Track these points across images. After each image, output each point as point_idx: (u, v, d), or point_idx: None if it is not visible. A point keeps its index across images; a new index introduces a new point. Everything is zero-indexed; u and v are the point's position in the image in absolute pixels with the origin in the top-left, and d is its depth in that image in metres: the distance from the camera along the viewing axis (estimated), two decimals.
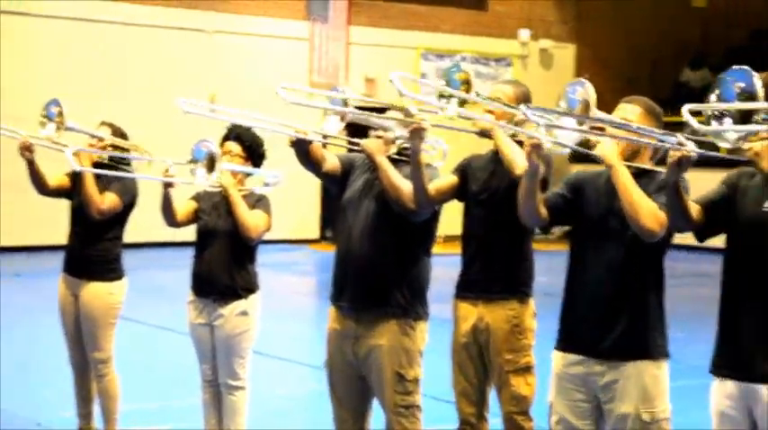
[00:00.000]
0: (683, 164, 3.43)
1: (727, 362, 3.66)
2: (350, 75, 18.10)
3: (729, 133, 3.29)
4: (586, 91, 3.64)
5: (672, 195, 3.55)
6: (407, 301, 4.64)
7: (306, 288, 13.98)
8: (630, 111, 3.98)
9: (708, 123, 3.32)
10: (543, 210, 4.00)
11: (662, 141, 3.69)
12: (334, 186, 4.98)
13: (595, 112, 3.63)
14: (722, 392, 3.67)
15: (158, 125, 13.97)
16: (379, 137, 4.66)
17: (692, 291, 8.87)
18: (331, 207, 17.06)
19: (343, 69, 18.24)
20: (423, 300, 4.72)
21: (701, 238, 3.77)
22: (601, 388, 3.90)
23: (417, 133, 4.38)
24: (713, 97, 3.30)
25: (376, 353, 4.62)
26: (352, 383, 4.76)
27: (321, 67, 18.06)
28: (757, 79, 3.25)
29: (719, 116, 3.32)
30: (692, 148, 3.41)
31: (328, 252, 16.63)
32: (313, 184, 16.93)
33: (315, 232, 18.36)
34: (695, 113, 3.31)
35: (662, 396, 3.89)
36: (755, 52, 22.19)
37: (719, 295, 3.74)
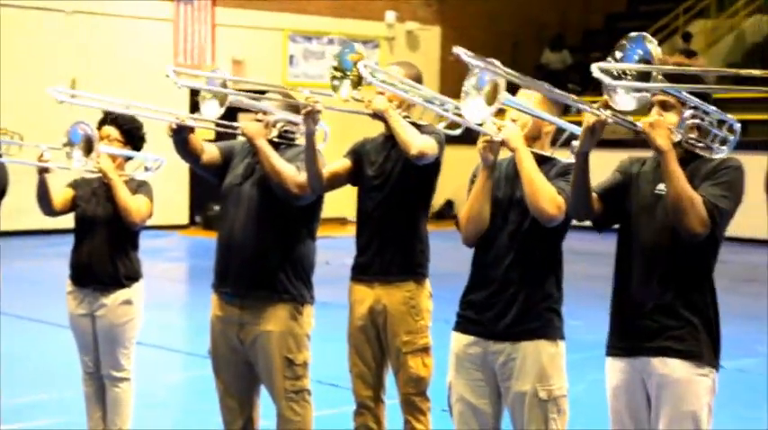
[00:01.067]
0: (597, 130, 3.45)
1: (620, 341, 3.72)
2: (216, 57, 17.81)
3: (628, 97, 3.34)
4: (496, 70, 3.59)
5: (579, 170, 3.58)
6: (293, 286, 4.59)
7: (177, 274, 13.74)
8: (529, 96, 3.98)
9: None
10: None
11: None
12: (214, 177, 4.85)
13: (505, 95, 3.58)
14: (617, 368, 3.74)
15: (24, 108, 13.56)
16: (259, 120, 4.54)
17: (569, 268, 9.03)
18: (200, 192, 16.82)
19: (209, 51, 17.95)
20: (309, 284, 4.67)
21: (598, 227, 3.83)
22: (499, 367, 3.91)
23: (311, 115, 4.28)
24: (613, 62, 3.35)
25: (263, 339, 4.56)
26: (239, 370, 4.68)
27: (186, 49, 17.73)
28: (654, 45, 3.31)
29: (620, 76, 3.36)
30: (607, 115, 3.43)
31: (198, 237, 16.60)
32: (182, 169, 16.63)
33: (184, 218, 18.08)
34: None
35: (558, 374, 3.92)
36: (611, 34, 22.84)
37: (613, 276, 3.79)
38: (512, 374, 3.90)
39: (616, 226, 3.80)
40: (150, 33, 17.43)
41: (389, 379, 4.82)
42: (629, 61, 3.31)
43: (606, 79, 3.30)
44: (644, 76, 3.32)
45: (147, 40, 17.21)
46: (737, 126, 3.60)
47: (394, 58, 18.33)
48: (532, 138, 3.92)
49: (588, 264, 10.61)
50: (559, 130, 3.92)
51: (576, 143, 3.61)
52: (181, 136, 4.54)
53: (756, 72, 3.28)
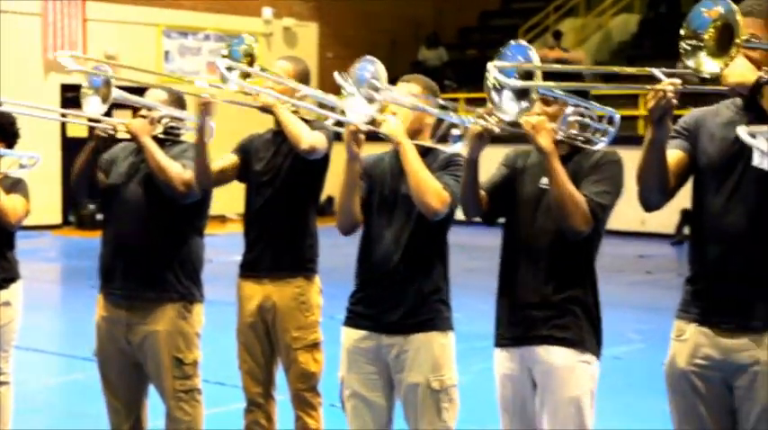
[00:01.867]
0: (484, 137, 3.51)
1: (507, 332, 3.78)
2: (88, 52, 17.37)
3: (512, 103, 3.40)
4: (377, 69, 3.62)
5: (469, 174, 3.63)
6: (182, 284, 4.54)
7: (51, 275, 13.36)
8: (411, 90, 4.00)
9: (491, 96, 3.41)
10: None
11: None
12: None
13: (386, 91, 3.61)
14: (504, 358, 3.80)
15: None
16: (144, 116, 4.48)
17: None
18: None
19: (80, 47, 17.51)
20: (198, 282, 4.63)
21: (487, 222, 3.86)
22: (392, 359, 3.95)
23: (207, 109, 4.24)
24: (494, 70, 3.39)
25: (152, 339, 4.50)
26: (126, 372, 4.62)
27: (56, 44, 17.26)
28: (534, 54, 3.37)
29: (499, 88, 3.41)
30: (493, 123, 3.49)
31: (72, 237, 16.22)
32: (54, 167, 16.29)
33: (57, 217, 17.64)
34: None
35: (449, 364, 3.97)
36: (485, 31, 23.22)
37: (499, 268, 3.84)
38: (405, 366, 3.93)
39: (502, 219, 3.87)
40: (18, 28, 16.91)
41: (280, 375, 4.81)
42: (509, 73, 3.38)
43: (503, 78, 3.36)
44: (527, 79, 3.39)
45: (15, 36, 16.70)
46: (617, 117, 3.69)
47: (271, 54, 18.19)
48: (414, 131, 3.94)
49: (465, 258, 10.78)
50: (439, 121, 3.95)
51: (456, 131, 3.68)
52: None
53: (630, 69, 3.39)
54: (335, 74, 3.62)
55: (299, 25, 20.61)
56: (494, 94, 3.44)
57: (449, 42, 22.45)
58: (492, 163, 3.88)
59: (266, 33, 20.06)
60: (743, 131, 3.12)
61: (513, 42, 3.44)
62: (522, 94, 3.42)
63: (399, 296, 3.92)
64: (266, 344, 4.74)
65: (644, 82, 3.20)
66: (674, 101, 3.14)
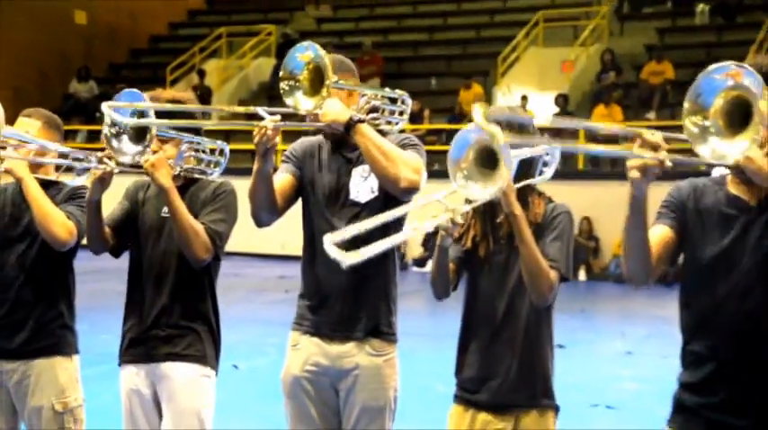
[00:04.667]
0: (105, 181, 3.47)
1: (135, 349, 3.69)
2: None
3: (129, 146, 3.38)
4: None
5: (91, 214, 3.54)
6: None
7: None
8: (31, 125, 3.85)
9: None
10: None
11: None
12: None
13: (4, 129, 3.41)
14: (131, 373, 3.70)
15: None
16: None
17: (92, 286, 8.80)
18: None
19: None
20: None
21: (115, 255, 3.78)
22: (13, 385, 3.80)
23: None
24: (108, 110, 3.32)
25: None
26: None
27: None
28: (146, 97, 3.38)
29: (117, 134, 3.38)
30: (113, 166, 3.46)
31: None
32: None
33: None
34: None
35: (74, 386, 3.86)
36: (135, 67, 22.89)
37: (126, 290, 3.75)
38: (27, 391, 3.77)
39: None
40: None
41: None
42: (122, 112, 3.31)
43: (117, 117, 3.28)
44: (141, 130, 3.36)
45: None
46: (227, 149, 3.70)
47: None
48: (36, 166, 3.78)
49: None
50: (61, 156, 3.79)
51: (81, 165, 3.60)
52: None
53: (238, 108, 3.46)
54: None
55: None
56: (113, 141, 3.38)
57: (100, 77, 21.87)
58: None
59: None
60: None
61: (126, 90, 3.38)
62: (139, 137, 3.39)
63: (22, 322, 3.78)
64: None
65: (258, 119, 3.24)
66: (276, 138, 3.21)
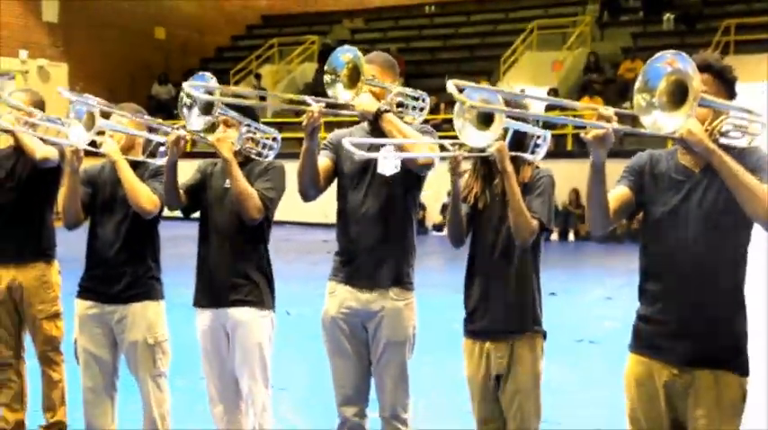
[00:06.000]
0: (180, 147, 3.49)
1: (204, 297, 3.71)
2: None
3: (199, 119, 3.41)
4: (94, 103, 3.47)
5: (168, 176, 3.57)
6: None
7: None
8: (122, 116, 3.86)
9: None
10: None
11: None
12: None
13: (100, 121, 3.48)
14: (203, 316, 3.72)
15: None
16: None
17: (171, 250, 8.85)
18: None
19: None
20: None
21: (186, 214, 3.78)
22: (115, 323, 3.85)
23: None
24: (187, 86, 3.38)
25: None
26: None
27: None
28: (215, 81, 3.42)
29: (189, 106, 3.43)
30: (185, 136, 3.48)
31: None
32: None
33: None
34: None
35: (161, 325, 3.89)
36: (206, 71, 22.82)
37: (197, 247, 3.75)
38: (125, 328, 3.83)
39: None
40: None
41: (27, 340, 4.50)
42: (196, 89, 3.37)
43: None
44: (208, 106, 3.40)
45: None
46: (279, 137, 3.71)
47: (27, 87, 17.02)
48: (127, 149, 3.84)
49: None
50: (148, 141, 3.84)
51: (162, 148, 3.64)
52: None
53: (294, 96, 3.55)
54: (59, 89, 3.35)
55: (51, 65, 19.38)
56: (185, 111, 3.42)
57: (176, 81, 21.90)
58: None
59: (23, 71, 18.74)
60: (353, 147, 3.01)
61: (201, 73, 3.43)
62: (206, 111, 3.41)
63: (120, 275, 3.82)
64: (15, 316, 4.42)
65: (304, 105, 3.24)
66: (320, 119, 3.22)
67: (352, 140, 3.10)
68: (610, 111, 2.52)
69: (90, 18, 20.09)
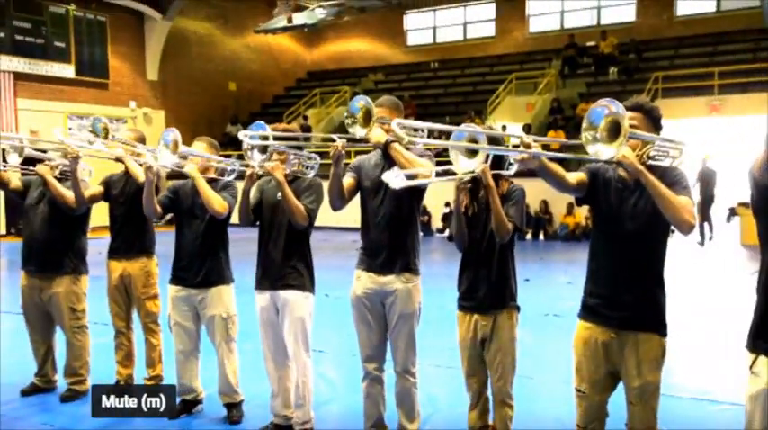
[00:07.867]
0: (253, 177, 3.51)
1: (262, 281, 3.66)
2: (19, 128, 15.77)
3: (257, 156, 3.41)
4: (176, 134, 3.53)
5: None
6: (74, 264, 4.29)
7: None
8: (201, 146, 3.91)
9: None
10: None
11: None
12: (18, 198, 4.39)
13: (182, 147, 3.52)
14: (262, 297, 3.68)
15: None
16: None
17: (234, 250, 8.87)
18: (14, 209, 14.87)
19: (13, 124, 15.78)
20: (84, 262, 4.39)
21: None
22: (197, 302, 3.86)
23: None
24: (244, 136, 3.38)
25: (55, 297, 4.26)
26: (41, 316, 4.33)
27: None
28: (268, 127, 3.42)
29: (252, 148, 3.42)
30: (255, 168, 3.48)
31: (13, 242, 14.56)
32: None
33: (1, 228, 15.75)
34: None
35: (232, 303, 3.89)
36: (265, 116, 22.84)
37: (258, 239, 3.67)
38: (206, 306, 3.84)
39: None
40: None
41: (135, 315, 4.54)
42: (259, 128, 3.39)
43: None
44: (264, 147, 3.43)
45: None
46: (318, 159, 3.68)
47: (135, 128, 17.12)
48: (204, 170, 3.84)
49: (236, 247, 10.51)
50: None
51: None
52: None
53: (324, 135, 3.41)
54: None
55: (153, 112, 19.52)
56: (248, 152, 3.44)
57: (244, 121, 21.97)
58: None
59: (132, 116, 18.92)
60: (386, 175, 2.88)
61: (256, 122, 3.45)
62: (263, 150, 3.44)
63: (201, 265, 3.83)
64: (126, 296, 4.47)
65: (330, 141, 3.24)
66: (343, 151, 3.23)
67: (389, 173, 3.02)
68: (530, 139, 2.52)
69: (181, 76, 20.26)
